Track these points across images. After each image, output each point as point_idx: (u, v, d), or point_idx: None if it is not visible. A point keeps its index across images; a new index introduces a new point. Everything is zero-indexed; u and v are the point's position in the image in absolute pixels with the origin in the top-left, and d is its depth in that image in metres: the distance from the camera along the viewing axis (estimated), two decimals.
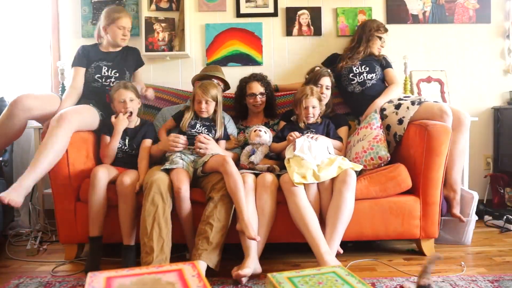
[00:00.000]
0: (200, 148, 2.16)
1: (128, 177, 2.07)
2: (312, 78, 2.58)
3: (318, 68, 2.64)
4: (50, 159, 2.02)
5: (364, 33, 2.77)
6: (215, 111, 2.31)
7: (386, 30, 2.78)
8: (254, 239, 1.87)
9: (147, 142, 2.30)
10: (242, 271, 1.83)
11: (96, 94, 2.46)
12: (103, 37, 2.59)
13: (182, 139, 2.19)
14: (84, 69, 2.49)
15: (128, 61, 2.61)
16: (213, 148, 2.20)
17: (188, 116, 2.28)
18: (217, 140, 2.30)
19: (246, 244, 1.94)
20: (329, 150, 2.23)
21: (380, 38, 2.76)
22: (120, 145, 2.27)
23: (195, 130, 2.25)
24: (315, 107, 2.35)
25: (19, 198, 1.91)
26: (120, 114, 2.28)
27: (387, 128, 2.42)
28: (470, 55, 3.15)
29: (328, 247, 1.90)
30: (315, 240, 1.91)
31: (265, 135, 2.35)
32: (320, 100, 2.38)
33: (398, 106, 2.41)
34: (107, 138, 2.27)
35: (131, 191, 2.05)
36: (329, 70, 2.62)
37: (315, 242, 1.91)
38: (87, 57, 2.52)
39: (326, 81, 2.54)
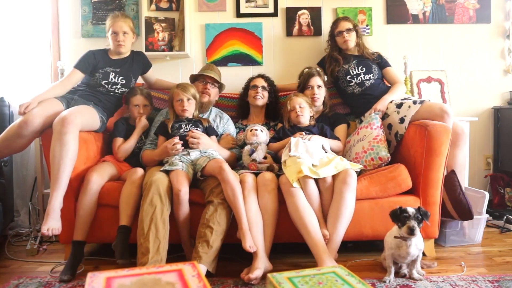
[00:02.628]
0: (193, 143, 2.18)
1: (141, 170, 2.17)
2: (302, 82, 2.59)
3: (306, 69, 2.63)
4: (68, 170, 2.03)
5: (331, 37, 2.78)
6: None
7: (339, 21, 2.70)
8: (248, 250, 1.87)
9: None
10: (252, 274, 1.82)
11: (97, 97, 2.45)
12: (110, 44, 2.57)
13: (176, 140, 2.17)
14: (83, 75, 2.45)
15: (134, 68, 2.61)
16: (205, 142, 2.21)
17: (170, 120, 2.31)
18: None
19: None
20: (325, 149, 2.23)
21: (340, 33, 2.68)
22: (139, 145, 2.43)
23: (183, 130, 2.27)
24: (302, 106, 2.35)
25: (58, 223, 1.95)
26: (142, 118, 2.46)
27: (388, 127, 2.42)
28: (470, 55, 3.15)
29: (326, 248, 1.90)
30: (314, 240, 1.91)
31: (261, 133, 2.35)
32: (309, 103, 2.39)
33: (399, 105, 2.41)
34: (120, 140, 2.38)
35: (140, 184, 2.08)
36: (318, 69, 2.62)
37: (314, 243, 1.91)
38: (94, 65, 2.47)
39: (317, 81, 2.53)
